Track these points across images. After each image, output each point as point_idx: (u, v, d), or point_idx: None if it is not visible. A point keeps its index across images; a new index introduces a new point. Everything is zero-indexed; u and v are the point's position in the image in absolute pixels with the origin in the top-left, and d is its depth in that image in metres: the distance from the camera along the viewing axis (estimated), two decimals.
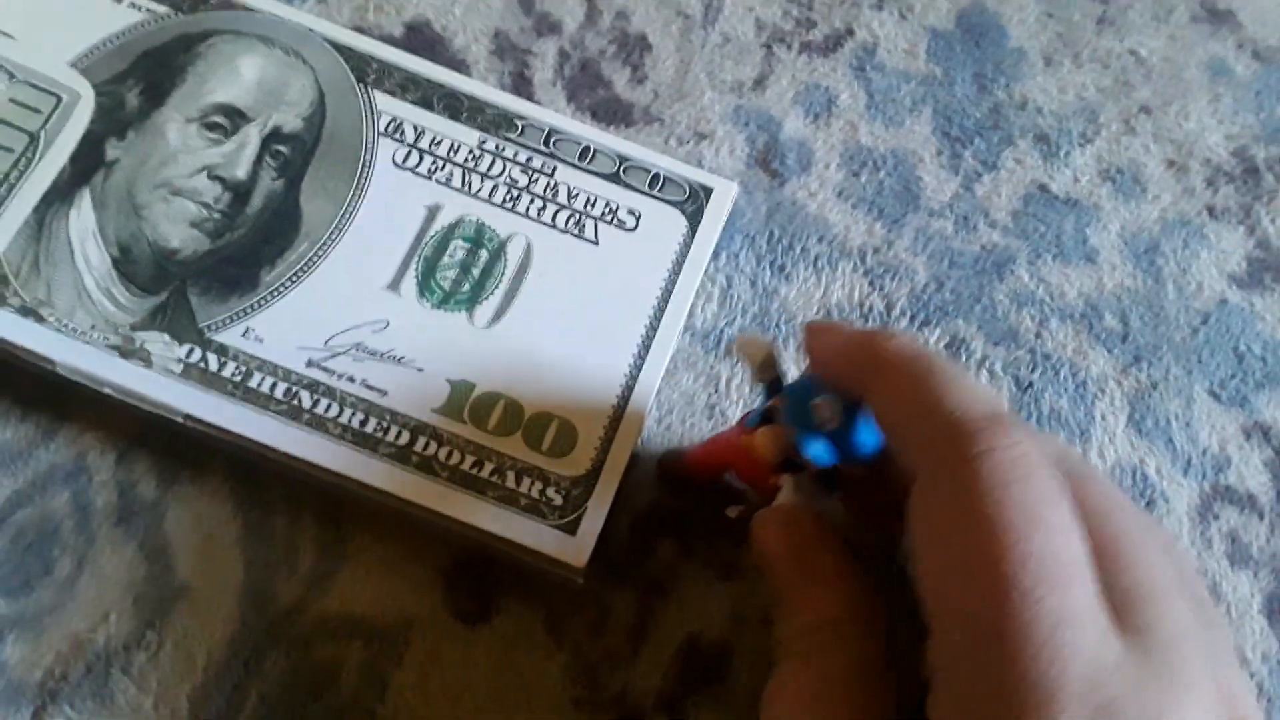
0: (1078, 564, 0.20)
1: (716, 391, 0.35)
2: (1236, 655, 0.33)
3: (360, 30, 0.38)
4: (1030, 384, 0.36)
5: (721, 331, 0.36)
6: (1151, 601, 0.21)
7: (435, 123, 0.35)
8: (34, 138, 0.33)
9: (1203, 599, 0.23)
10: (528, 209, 0.34)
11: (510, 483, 0.31)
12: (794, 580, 0.26)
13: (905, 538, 0.23)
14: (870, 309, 0.37)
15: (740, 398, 0.35)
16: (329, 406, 0.31)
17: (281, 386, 0.31)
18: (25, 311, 0.31)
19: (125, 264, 0.32)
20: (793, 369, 0.35)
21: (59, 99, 0.33)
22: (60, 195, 0.32)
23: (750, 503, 0.29)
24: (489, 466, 0.31)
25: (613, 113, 0.39)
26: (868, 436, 0.25)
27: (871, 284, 0.37)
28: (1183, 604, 0.21)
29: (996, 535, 0.20)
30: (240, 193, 0.33)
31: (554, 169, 0.35)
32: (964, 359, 0.36)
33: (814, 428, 0.26)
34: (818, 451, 0.26)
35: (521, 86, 0.39)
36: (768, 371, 0.28)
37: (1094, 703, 0.19)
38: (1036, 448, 0.21)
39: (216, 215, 0.33)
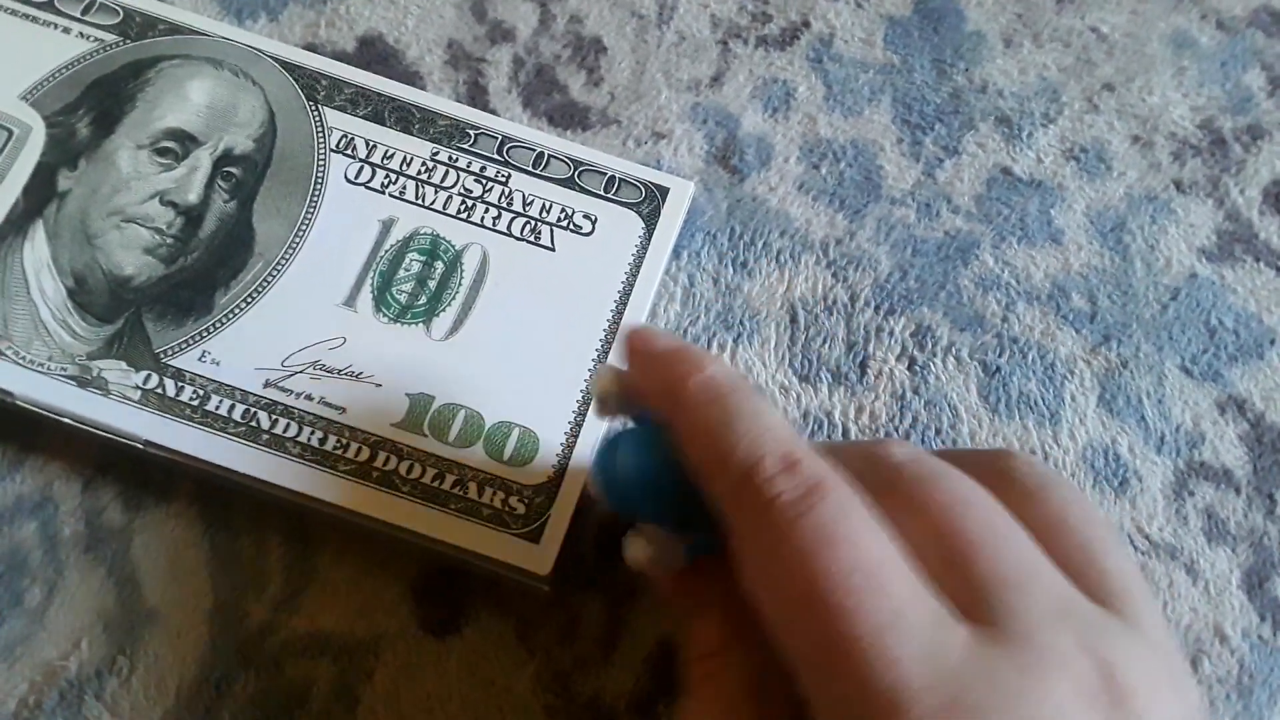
0: (887, 565, 0.20)
1: None
2: (1214, 631, 0.33)
3: (313, 47, 0.38)
4: (998, 369, 0.36)
5: (685, 331, 0.36)
6: (1005, 589, 0.20)
7: (387, 136, 0.35)
8: None
9: (1110, 568, 0.22)
10: (483, 218, 0.34)
11: (472, 494, 0.31)
12: (682, 613, 0.27)
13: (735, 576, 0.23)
14: (834, 301, 0.37)
15: None
16: (287, 426, 0.31)
17: (239, 408, 0.31)
18: None
19: (80, 294, 0.32)
20: None
21: (10, 132, 0.33)
22: (14, 228, 0.32)
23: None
24: (450, 479, 0.31)
25: (569, 117, 0.39)
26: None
27: (835, 276, 0.37)
28: (1047, 586, 0.21)
29: (801, 565, 0.20)
30: (193, 217, 0.33)
31: (508, 177, 0.35)
32: (930, 346, 0.36)
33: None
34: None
35: (477, 95, 0.39)
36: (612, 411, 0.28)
37: (944, 695, 0.19)
38: (823, 477, 0.21)
39: (170, 240, 0.33)
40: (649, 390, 0.25)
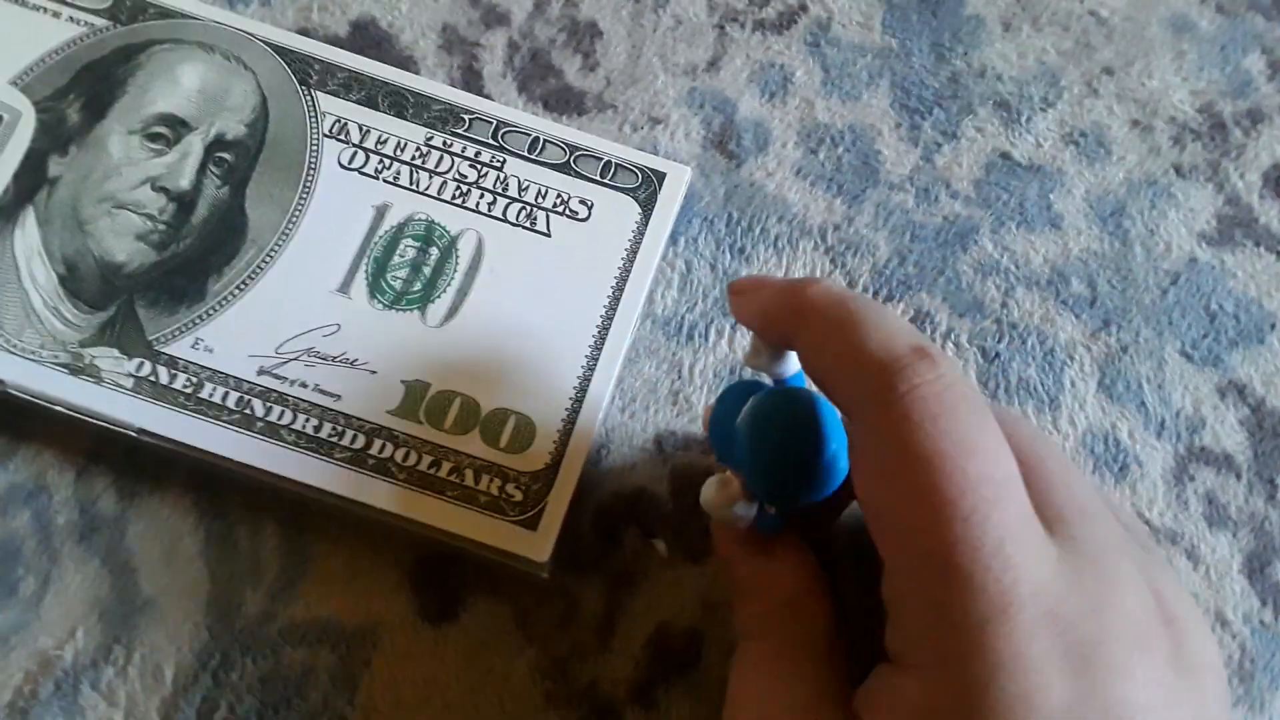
0: (1011, 482, 0.21)
1: (680, 378, 0.35)
2: (1215, 616, 0.33)
3: (305, 31, 0.38)
4: (997, 354, 0.36)
5: (683, 318, 0.36)
6: (1082, 518, 0.22)
7: (381, 121, 0.35)
8: None
9: (1130, 520, 0.24)
10: (478, 204, 0.34)
11: (469, 481, 0.31)
12: (751, 567, 0.27)
13: (853, 483, 0.23)
14: None
15: (704, 382, 0.35)
16: (282, 414, 0.31)
17: (233, 396, 0.31)
18: None
19: (72, 281, 0.32)
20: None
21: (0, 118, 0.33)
22: (4, 215, 0.32)
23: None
24: (447, 466, 0.31)
25: (565, 102, 0.38)
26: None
27: (833, 261, 0.37)
28: (1111, 519, 0.23)
29: (933, 465, 0.21)
30: (184, 203, 0.33)
31: (503, 162, 0.35)
32: (929, 332, 0.36)
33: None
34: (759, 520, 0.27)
35: (471, 80, 0.38)
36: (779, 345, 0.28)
37: (1042, 607, 0.20)
38: (961, 377, 0.22)
39: (161, 227, 0.32)
40: (768, 316, 0.26)
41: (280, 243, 0.33)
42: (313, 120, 0.34)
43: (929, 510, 0.21)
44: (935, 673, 0.21)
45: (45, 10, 0.35)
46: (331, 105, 0.35)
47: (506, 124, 0.35)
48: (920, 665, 0.21)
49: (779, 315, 0.25)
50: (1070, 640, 0.20)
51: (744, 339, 0.35)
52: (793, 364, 0.27)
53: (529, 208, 0.34)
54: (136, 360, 0.31)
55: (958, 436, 0.21)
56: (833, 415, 0.26)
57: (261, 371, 0.31)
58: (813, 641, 0.25)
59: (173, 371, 0.31)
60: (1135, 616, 0.21)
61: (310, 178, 0.34)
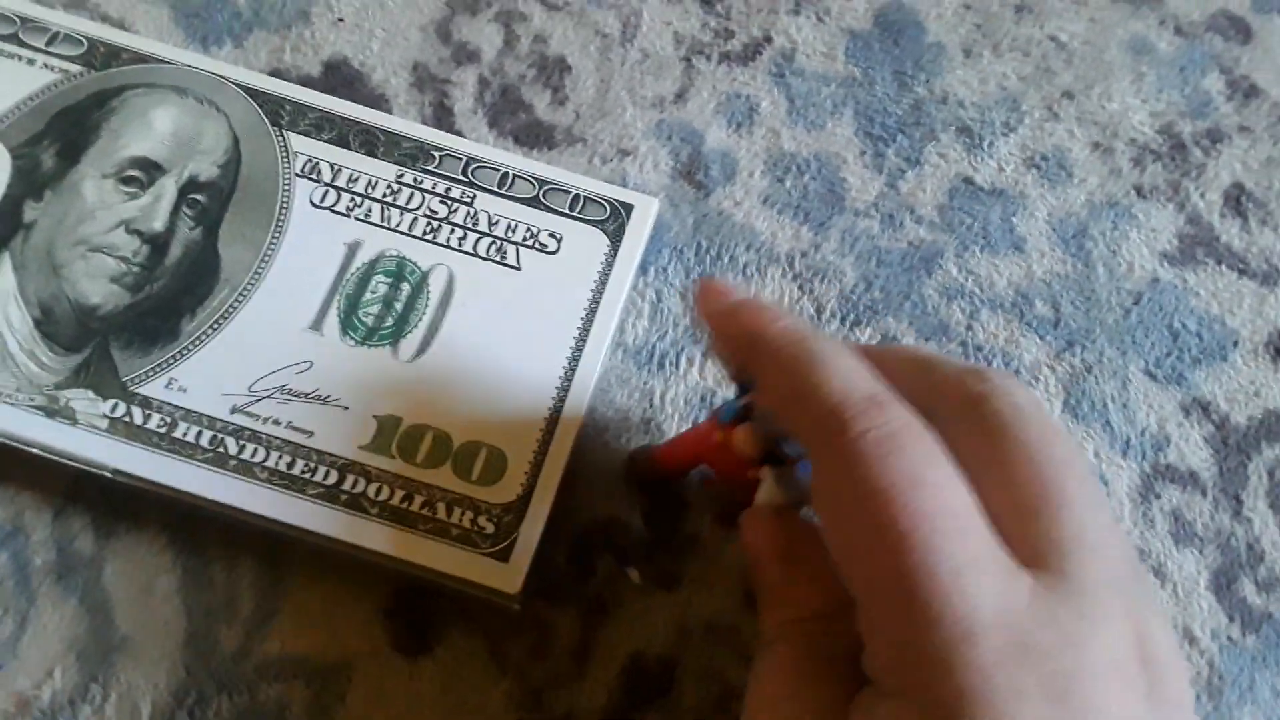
0: (967, 514, 0.22)
1: (651, 406, 0.35)
2: (1183, 633, 0.33)
3: (278, 72, 0.39)
4: None
5: (654, 346, 0.36)
6: (1078, 551, 0.22)
7: (352, 160, 0.35)
8: None
9: (1130, 554, 0.24)
10: (448, 239, 0.35)
11: (441, 514, 0.31)
12: (781, 575, 0.27)
13: (819, 519, 0.24)
14: (801, 313, 0.37)
15: (675, 411, 0.35)
16: (255, 451, 0.31)
17: (207, 435, 0.31)
18: None
19: (47, 324, 0.32)
20: None
21: None
22: None
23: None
24: (419, 499, 0.31)
25: (535, 136, 0.39)
26: None
27: (801, 288, 0.37)
28: (1116, 556, 0.22)
29: (887, 498, 0.21)
30: (158, 245, 0.33)
31: (473, 197, 0.35)
32: None
33: None
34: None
35: (443, 117, 0.39)
36: (744, 372, 0.29)
37: (1009, 638, 0.20)
38: (911, 421, 0.22)
39: (135, 269, 0.33)
40: (729, 336, 0.27)
41: (253, 282, 0.33)
42: (285, 160, 0.35)
43: (885, 543, 0.21)
44: (907, 700, 0.21)
45: (20, 58, 0.35)
46: (303, 145, 0.35)
47: (476, 160, 0.36)
48: (893, 694, 0.22)
49: (738, 342, 0.26)
50: (1045, 672, 0.20)
51: (715, 367, 0.36)
52: None
53: (499, 242, 0.35)
54: (111, 401, 0.31)
55: (909, 473, 0.21)
56: None
57: (235, 410, 0.32)
58: (839, 659, 0.25)
59: (147, 412, 0.31)
60: (1115, 653, 0.21)
61: (282, 217, 0.34)
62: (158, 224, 0.33)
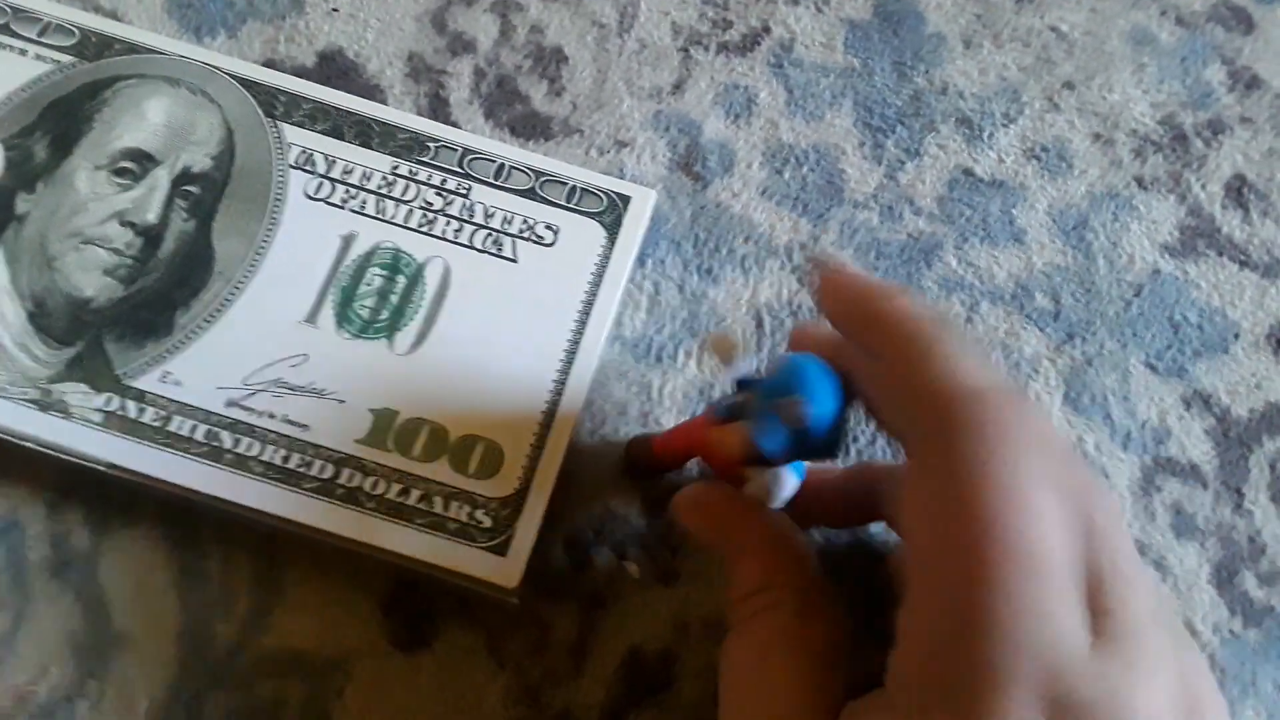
0: (1055, 555, 0.20)
1: (649, 399, 0.35)
2: (1185, 627, 0.33)
3: (272, 63, 0.38)
4: None
5: (651, 339, 0.36)
6: (1125, 583, 0.21)
7: (346, 151, 0.35)
8: None
9: (1181, 631, 0.23)
10: (444, 231, 0.34)
11: (438, 508, 0.31)
12: (727, 553, 0.27)
13: (896, 503, 0.23)
14: (800, 306, 0.37)
15: (673, 404, 0.35)
16: (250, 445, 0.31)
17: (202, 429, 0.31)
18: None
19: (40, 317, 0.32)
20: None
21: None
22: None
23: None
24: (416, 493, 0.31)
25: (531, 127, 0.39)
26: (819, 423, 0.25)
27: (800, 281, 0.37)
28: (1150, 591, 0.21)
29: (979, 518, 0.20)
30: (151, 236, 0.33)
31: (469, 189, 0.35)
32: None
33: (779, 423, 0.26)
34: (773, 444, 0.26)
35: (439, 107, 0.39)
36: (738, 368, 0.28)
37: (1049, 693, 0.19)
38: (1030, 427, 0.21)
39: (129, 261, 0.33)
40: (840, 312, 0.25)
41: (247, 274, 0.33)
42: (279, 152, 0.35)
43: (966, 563, 0.20)
44: None
45: (11, 49, 0.35)
46: (297, 136, 0.35)
47: (472, 151, 0.35)
48: (905, 712, 0.21)
49: (852, 315, 0.25)
50: None
51: (714, 360, 0.36)
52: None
53: (495, 234, 0.34)
54: (105, 395, 0.31)
55: (1010, 491, 0.20)
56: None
57: (230, 403, 0.31)
58: (798, 628, 0.24)
59: (141, 405, 0.31)
60: (1160, 706, 0.20)
61: (277, 209, 0.34)
62: (151, 216, 0.33)
